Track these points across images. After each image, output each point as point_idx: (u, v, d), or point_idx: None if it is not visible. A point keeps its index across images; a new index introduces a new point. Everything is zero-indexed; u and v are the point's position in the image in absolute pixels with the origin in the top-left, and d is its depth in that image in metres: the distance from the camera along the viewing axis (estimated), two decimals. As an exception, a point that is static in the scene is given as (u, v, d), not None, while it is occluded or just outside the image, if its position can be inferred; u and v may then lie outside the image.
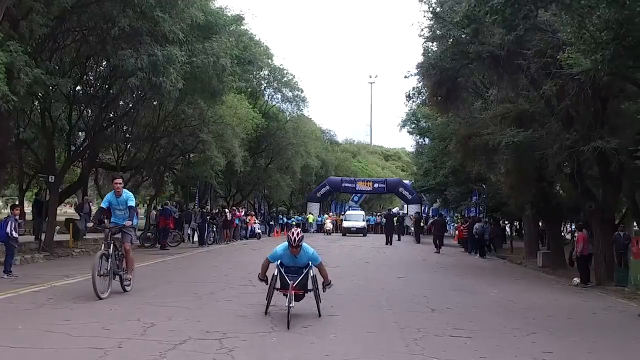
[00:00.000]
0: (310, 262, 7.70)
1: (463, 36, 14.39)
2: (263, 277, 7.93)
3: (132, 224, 9.46)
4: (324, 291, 7.97)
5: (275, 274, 7.62)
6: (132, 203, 9.51)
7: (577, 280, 14.90)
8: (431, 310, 9.10)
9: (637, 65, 8.99)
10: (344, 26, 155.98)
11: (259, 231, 32.36)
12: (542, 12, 13.03)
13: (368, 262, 17.65)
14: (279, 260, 7.68)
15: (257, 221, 33.48)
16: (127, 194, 9.60)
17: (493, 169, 20.95)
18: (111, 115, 20.36)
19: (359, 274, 14.04)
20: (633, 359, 6.54)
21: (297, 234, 7.49)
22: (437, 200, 43.64)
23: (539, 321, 8.69)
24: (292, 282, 7.40)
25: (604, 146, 14.16)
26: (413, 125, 37.79)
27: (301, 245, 7.52)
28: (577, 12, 8.62)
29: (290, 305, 7.18)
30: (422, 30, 17.48)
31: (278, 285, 7.64)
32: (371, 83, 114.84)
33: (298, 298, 7.73)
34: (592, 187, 17.07)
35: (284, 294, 7.47)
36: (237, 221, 26.75)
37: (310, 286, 7.78)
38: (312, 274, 7.71)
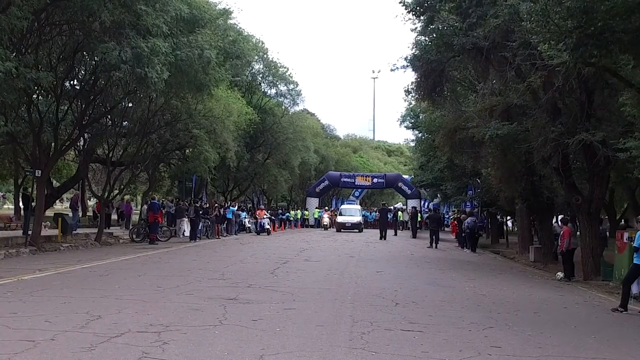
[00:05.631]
0: None
1: (445, 29, 14.16)
2: None
3: None
4: None
5: None
6: None
7: (560, 274, 14.70)
8: (394, 305, 8.97)
9: (602, 55, 8.78)
10: (348, 21, 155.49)
11: (268, 227, 29.39)
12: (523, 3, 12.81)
13: (352, 256, 17.50)
14: None
15: (267, 215, 30.55)
16: None
17: (480, 163, 20.74)
18: (104, 110, 20.30)
19: (337, 268, 13.91)
20: (581, 354, 6.36)
21: None
22: (438, 195, 43.44)
23: (502, 315, 8.54)
24: None
25: (589, 139, 13.95)
26: (413, 121, 37.61)
27: None
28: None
29: None
30: (408, 22, 17.31)
31: None
32: (374, 78, 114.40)
33: None
34: (580, 180, 16.84)
35: None
36: (229, 215, 26.67)
37: None
38: None
